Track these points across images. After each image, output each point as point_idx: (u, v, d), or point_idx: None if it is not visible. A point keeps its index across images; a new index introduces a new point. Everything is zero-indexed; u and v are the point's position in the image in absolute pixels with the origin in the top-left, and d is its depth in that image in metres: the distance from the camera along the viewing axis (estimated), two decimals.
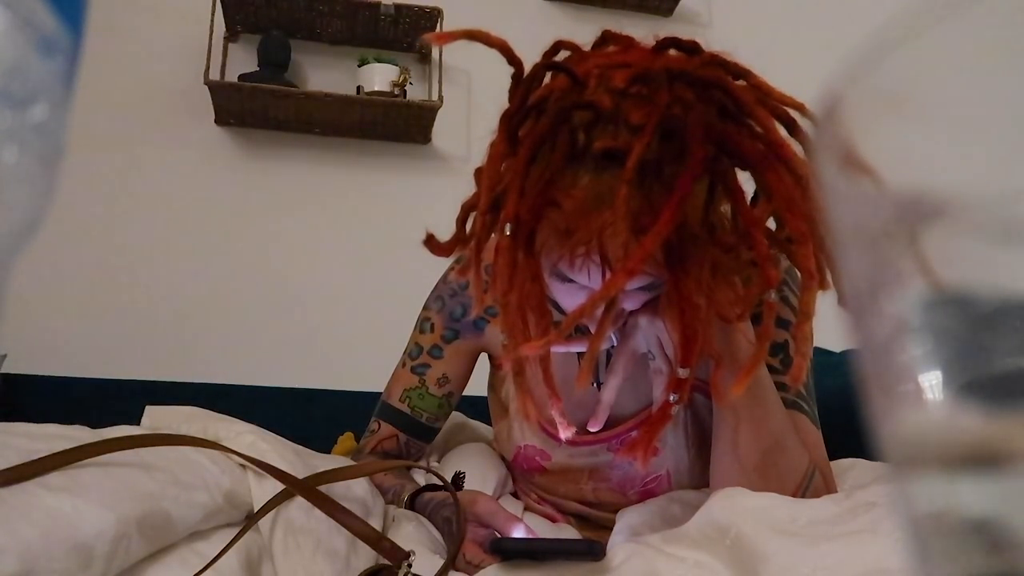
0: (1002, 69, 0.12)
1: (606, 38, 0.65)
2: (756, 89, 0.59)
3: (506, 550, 0.64)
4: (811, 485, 0.72)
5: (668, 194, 0.53)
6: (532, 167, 0.59)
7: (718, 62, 0.59)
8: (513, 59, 0.61)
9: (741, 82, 0.59)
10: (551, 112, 0.58)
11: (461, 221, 0.66)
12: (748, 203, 0.57)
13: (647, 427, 0.66)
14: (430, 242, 0.66)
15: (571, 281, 0.66)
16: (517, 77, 0.61)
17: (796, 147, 0.57)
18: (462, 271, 0.67)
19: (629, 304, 0.69)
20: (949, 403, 0.13)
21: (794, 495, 0.69)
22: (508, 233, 0.59)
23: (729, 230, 0.60)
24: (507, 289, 0.60)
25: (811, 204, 0.53)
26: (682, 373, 0.64)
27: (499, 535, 0.70)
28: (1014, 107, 0.12)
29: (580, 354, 0.84)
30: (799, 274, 0.57)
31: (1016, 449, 0.12)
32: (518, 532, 0.70)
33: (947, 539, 0.13)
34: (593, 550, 0.60)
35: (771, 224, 0.60)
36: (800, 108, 0.58)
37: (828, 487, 0.74)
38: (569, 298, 0.68)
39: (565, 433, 0.68)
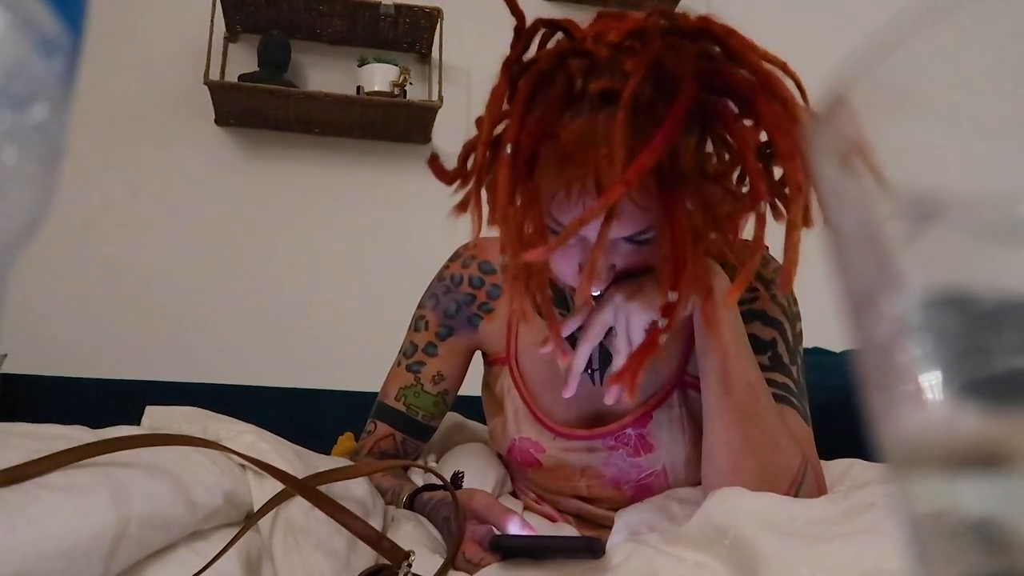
0: (1003, 69, 0.12)
1: (601, 16, 0.69)
2: (744, 41, 0.63)
3: (505, 547, 0.63)
4: (804, 483, 0.72)
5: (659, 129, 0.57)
6: (532, 104, 0.62)
7: (707, 22, 0.63)
8: (516, 10, 0.65)
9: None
10: (550, 54, 0.63)
11: (462, 159, 0.69)
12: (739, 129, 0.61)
13: (634, 356, 0.67)
14: (433, 163, 0.69)
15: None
16: (519, 29, 0.65)
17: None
18: (460, 207, 0.69)
19: (617, 259, 0.70)
20: (949, 403, 0.13)
21: (787, 493, 0.69)
22: (509, 154, 0.62)
23: (719, 173, 0.64)
24: (507, 202, 0.63)
25: (799, 126, 0.57)
26: (672, 296, 0.66)
27: (496, 531, 0.69)
28: (1015, 107, 0.12)
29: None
30: (787, 196, 0.60)
31: (1016, 449, 0.12)
32: (514, 526, 0.69)
33: (947, 539, 0.13)
34: (592, 547, 0.60)
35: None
36: (782, 66, 0.62)
37: (819, 485, 0.74)
38: (564, 258, 0.70)
39: (571, 386, 0.71)
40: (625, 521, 0.76)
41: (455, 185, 0.70)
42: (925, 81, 0.13)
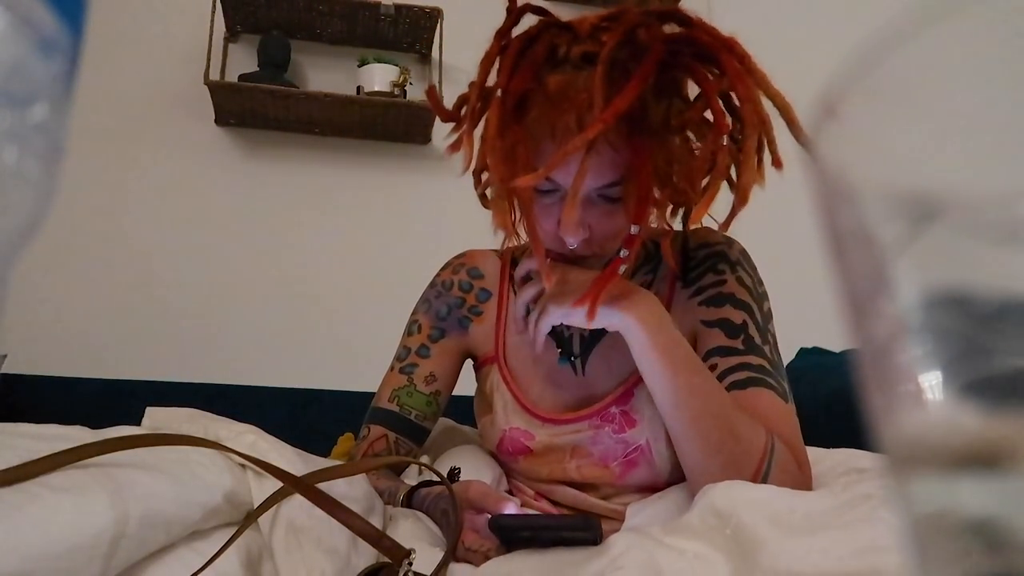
0: (1003, 69, 0.12)
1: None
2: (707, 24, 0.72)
3: (504, 526, 0.64)
4: (773, 460, 0.73)
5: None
6: (520, 59, 0.70)
7: (676, 9, 0.73)
8: None
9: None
10: (537, 24, 0.73)
11: (457, 107, 0.77)
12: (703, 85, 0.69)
13: (597, 281, 0.74)
14: (431, 95, 0.78)
15: (549, 192, 0.76)
16: (511, 8, 0.75)
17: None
18: (454, 146, 0.76)
19: (591, 217, 0.76)
20: (949, 403, 0.13)
21: (756, 475, 0.72)
22: (499, 97, 0.70)
23: (682, 124, 0.73)
24: (496, 135, 0.70)
25: (755, 77, 0.67)
26: (634, 230, 0.75)
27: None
28: (1014, 107, 0.12)
29: (557, 347, 0.91)
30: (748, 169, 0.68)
31: (1016, 449, 0.12)
32: (509, 510, 0.70)
33: (947, 539, 0.13)
34: (590, 525, 0.61)
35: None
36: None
37: (798, 461, 0.76)
38: (543, 215, 0.77)
39: (548, 281, 0.77)
40: (641, 519, 0.77)
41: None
42: (925, 81, 0.13)
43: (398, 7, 2.06)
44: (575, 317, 0.77)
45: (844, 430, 0.64)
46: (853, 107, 0.14)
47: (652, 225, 0.78)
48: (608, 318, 0.78)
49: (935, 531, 0.13)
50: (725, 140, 0.69)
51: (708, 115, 0.71)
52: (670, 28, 0.71)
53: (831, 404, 0.87)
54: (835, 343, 1.46)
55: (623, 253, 0.76)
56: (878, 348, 0.14)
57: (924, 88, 0.13)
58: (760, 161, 0.69)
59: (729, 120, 0.70)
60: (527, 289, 0.82)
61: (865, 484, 0.61)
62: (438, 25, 2.10)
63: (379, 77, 2.05)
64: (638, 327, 0.76)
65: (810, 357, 1.50)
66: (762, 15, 2.29)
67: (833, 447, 0.84)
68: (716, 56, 0.68)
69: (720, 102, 0.69)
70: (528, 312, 0.84)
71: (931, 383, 0.13)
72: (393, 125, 2.10)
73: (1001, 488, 0.12)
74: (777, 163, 0.69)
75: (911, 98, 0.13)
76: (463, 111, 0.76)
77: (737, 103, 0.69)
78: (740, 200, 0.69)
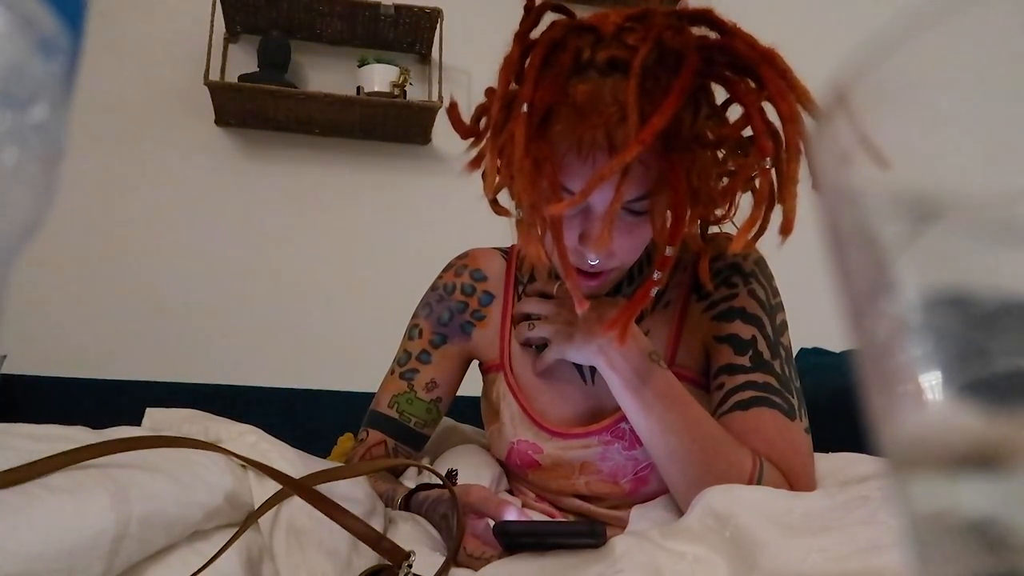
0: (1003, 69, 0.12)
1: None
2: (741, 29, 0.67)
3: (509, 532, 0.64)
4: (761, 483, 0.73)
5: (667, 96, 0.61)
6: (545, 67, 0.67)
7: (707, 11, 0.68)
8: None
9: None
10: (559, 26, 0.69)
11: (475, 119, 0.74)
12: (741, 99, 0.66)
13: (628, 304, 0.72)
14: (452, 111, 0.74)
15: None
16: (529, 7, 0.71)
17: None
18: (473, 163, 0.72)
19: (616, 230, 0.72)
20: (949, 403, 0.13)
21: None
22: (524, 112, 0.66)
23: (716, 141, 0.70)
24: (523, 155, 0.65)
25: (797, 93, 0.63)
26: (669, 251, 0.73)
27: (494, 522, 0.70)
28: (1014, 107, 0.12)
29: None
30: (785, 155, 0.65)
31: (1016, 449, 0.12)
32: (511, 515, 0.69)
33: (947, 539, 0.13)
34: (595, 531, 0.61)
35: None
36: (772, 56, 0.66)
37: (791, 481, 0.75)
38: (565, 230, 0.72)
39: (582, 307, 0.74)
40: (644, 524, 0.77)
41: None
42: (925, 81, 0.13)
43: (398, 7, 2.06)
44: (573, 354, 0.80)
45: (844, 430, 0.64)
46: (853, 106, 0.14)
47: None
48: (578, 355, 0.80)
49: (935, 531, 0.13)
50: (768, 162, 0.66)
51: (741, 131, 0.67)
52: (698, 30, 0.67)
53: (831, 404, 0.86)
54: (835, 343, 1.46)
55: (656, 275, 0.73)
56: (878, 348, 0.14)
57: (924, 88, 0.13)
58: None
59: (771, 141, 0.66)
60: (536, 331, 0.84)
61: (861, 486, 0.61)
62: (438, 25, 2.10)
63: (379, 77, 2.05)
64: (605, 366, 0.77)
65: (810, 357, 1.50)
66: (764, 16, 2.29)
67: (833, 448, 0.84)
68: (755, 69, 0.64)
69: (765, 122, 0.65)
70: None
71: (931, 383, 0.13)
72: (393, 125, 2.09)
73: (1001, 488, 0.12)
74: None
75: (911, 98, 0.13)
76: (482, 123, 0.72)
77: (779, 122, 0.64)
78: (786, 230, 0.64)
